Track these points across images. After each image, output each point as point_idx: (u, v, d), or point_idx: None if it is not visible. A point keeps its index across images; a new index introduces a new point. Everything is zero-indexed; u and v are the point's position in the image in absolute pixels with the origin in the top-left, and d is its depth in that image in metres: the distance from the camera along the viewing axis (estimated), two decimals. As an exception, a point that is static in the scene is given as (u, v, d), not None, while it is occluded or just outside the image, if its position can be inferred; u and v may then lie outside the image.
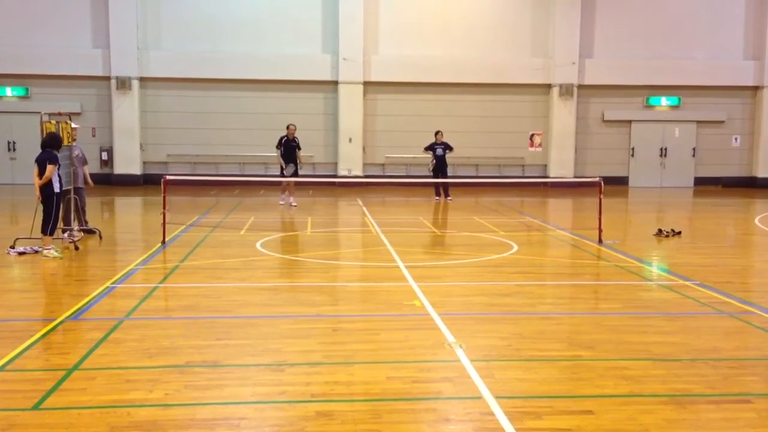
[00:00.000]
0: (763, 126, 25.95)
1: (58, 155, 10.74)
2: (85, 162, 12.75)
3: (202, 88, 24.35)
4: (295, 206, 17.62)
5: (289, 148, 18.14)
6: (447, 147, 19.78)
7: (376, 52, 24.71)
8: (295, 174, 18.06)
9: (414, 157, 24.49)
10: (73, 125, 12.53)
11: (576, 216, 18.15)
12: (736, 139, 26.40)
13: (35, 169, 10.52)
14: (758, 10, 25.78)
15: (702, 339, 6.58)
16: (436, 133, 19.99)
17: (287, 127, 18.16)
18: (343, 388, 5.19)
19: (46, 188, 10.46)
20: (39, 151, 10.70)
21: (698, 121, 26.22)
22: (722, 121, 26.20)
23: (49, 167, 10.40)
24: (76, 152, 12.47)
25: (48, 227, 10.50)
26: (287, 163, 18.01)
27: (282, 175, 18.14)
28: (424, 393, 5.18)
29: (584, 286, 9.25)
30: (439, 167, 19.83)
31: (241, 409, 4.82)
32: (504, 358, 5.97)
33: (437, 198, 19.98)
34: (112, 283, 8.69)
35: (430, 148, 19.91)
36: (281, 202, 18.25)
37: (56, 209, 10.62)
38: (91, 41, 23.96)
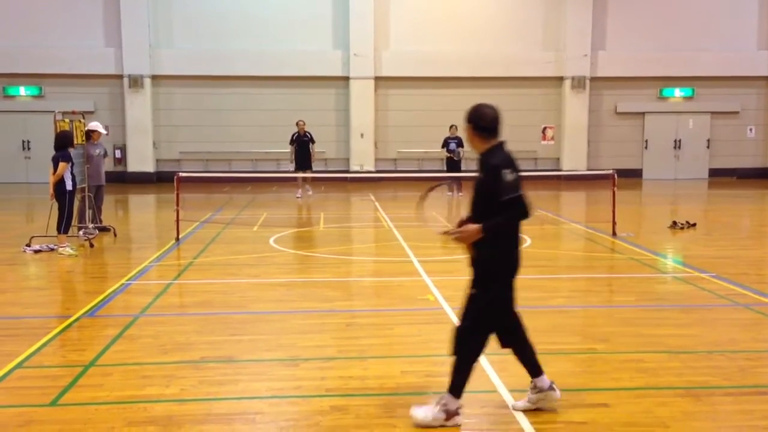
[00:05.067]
0: (778, 116, 25.75)
1: (71, 153, 10.83)
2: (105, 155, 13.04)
3: (214, 86, 24.42)
4: (310, 193, 19.01)
5: (301, 143, 18.83)
6: (459, 143, 19.44)
7: (386, 48, 24.68)
8: (308, 168, 18.75)
9: (426, 152, 24.47)
10: (102, 130, 12.71)
11: (589, 209, 18.07)
12: (750, 129, 26.18)
13: (50, 168, 10.60)
14: (772, -1, 25.55)
15: (718, 331, 6.54)
16: (450, 127, 19.78)
17: (296, 123, 19.03)
18: (358, 383, 5.20)
19: (58, 186, 10.53)
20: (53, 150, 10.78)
21: (712, 113, 26.01)
22: (737, 112, 25.98)
23: (61, 165, 10.47)
24: (98, 150, 12.61)
25: (62, 225, 10.57)
26: (299, 160, 18.78)
27: (295, 171, 19.02)
28: (439, 387, 5.15)
29: (598, 279, 9.21)
30: (451, 162, 19.64)
31: (256, 403, 4.84)
32: (518, 351, 5.95)
33: (449, 193, 19.69)
34: (127, 280, 8.74)
35: (444, 142, 19.74)
36: (297, 196, 18.88)
37: (69, 207, 10.69)
38: (103, 40, 24.08)
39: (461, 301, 4.58)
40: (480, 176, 4.44)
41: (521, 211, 4.34)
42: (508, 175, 4.25)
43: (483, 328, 4.50)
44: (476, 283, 4.48)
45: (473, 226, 4.36)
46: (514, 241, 4.47)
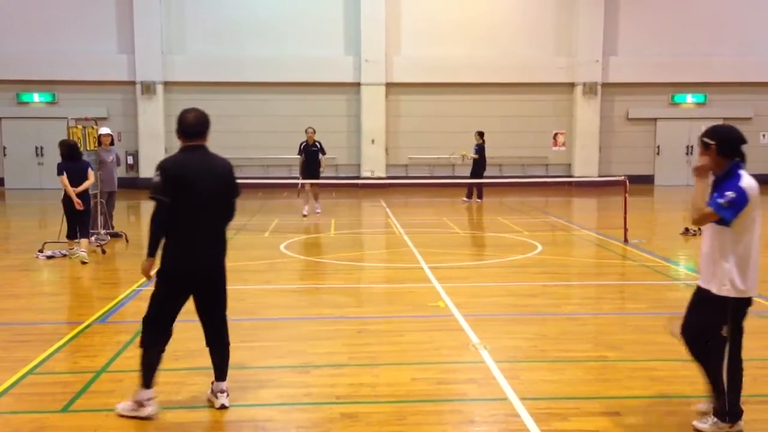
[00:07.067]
0: (792, 122, 25.54)
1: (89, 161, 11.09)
2: (117, 164, 13.05)
3: (226, 92, 24.49)
4: (319, 212, 16.51)
5: (309, 153, 16.40)
6: (480, 148, 19.26)
7: (398, 53, 24.70)
8: (315, 178, 16.44)
9: (437, 158, 24.46)
10: (108, 132, 12.77)
11: (601, 215, 18.01)
12: (763, 136, 25.98)
13: (64, 178, 10.37)
14: (785, 4, 25.39)
15: (731, 339, 6.48)
16: (474, 134, 19.63)
17: (305, 131, 16.75)
18: (368, 390, 5.19)
19: (86, 193, 10.60)
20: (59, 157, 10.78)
21: (725, 118, 25.72)
22: (749, 118, 25.76)
23: (92, 173, 10.66)
24: (111, 157, 12.69)
25: (88, 230, 10.68)
26: (306, 172, 16.25)
27: (301, 186, 16.64)
28: (449, 394, 5.17)
29: (610, 286, 9.17)
30: (472, 168, 19.42)
31: (266, 411, 4.85)
32: (529, 359, 5.94)
33: (465, 200, 19.31)
34: (139, 286, 8.76)
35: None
36: (304, 213, 16.22)
37: (92, 212, 10.96)
38: (116, 46, 24.24)
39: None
40: None
41: (156, 214, 4.72)
42: (155, 177, 4.65)
43: (145, 317, 4.83)
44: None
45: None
46: (175, 239, 4.82)
